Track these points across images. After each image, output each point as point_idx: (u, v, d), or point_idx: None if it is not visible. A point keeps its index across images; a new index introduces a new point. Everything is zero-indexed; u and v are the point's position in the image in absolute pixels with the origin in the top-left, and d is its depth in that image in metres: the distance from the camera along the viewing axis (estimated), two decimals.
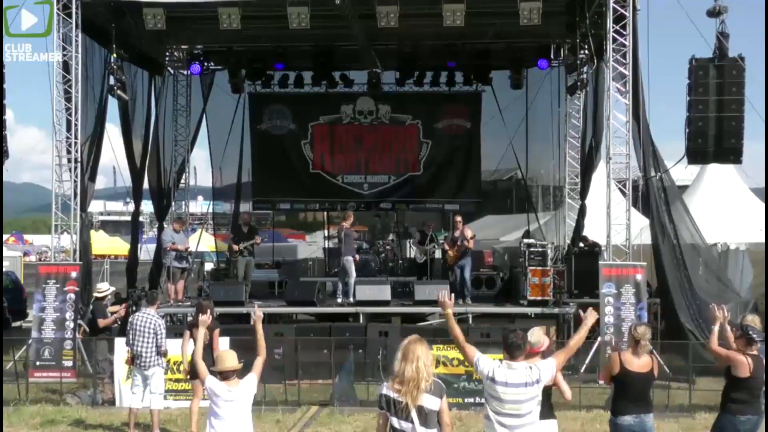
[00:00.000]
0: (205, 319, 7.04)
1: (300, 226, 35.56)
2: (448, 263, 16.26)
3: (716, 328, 7.37)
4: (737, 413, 6.99)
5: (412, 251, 19.81)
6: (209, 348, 9.87)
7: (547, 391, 6.22)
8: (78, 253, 14.65)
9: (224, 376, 6.43)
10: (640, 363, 6.89)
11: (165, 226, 18.48)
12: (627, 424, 6.81)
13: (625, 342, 11.66)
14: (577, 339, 6.04)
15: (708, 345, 7.52)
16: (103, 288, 12.77)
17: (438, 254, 18.61)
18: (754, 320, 8.02)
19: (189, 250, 16.76)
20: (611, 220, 14.19)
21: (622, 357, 6.88)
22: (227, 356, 6.53)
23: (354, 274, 15.54)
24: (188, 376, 10.26)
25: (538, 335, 6.46)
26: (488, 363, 5.76)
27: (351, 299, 15.33)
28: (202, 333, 6.97)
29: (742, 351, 7.09)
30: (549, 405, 6.39)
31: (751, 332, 7.15)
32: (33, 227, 60.31)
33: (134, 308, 14.94)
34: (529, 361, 5.87)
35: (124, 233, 33.15)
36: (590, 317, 6.12)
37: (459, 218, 16.47)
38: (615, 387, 6.95)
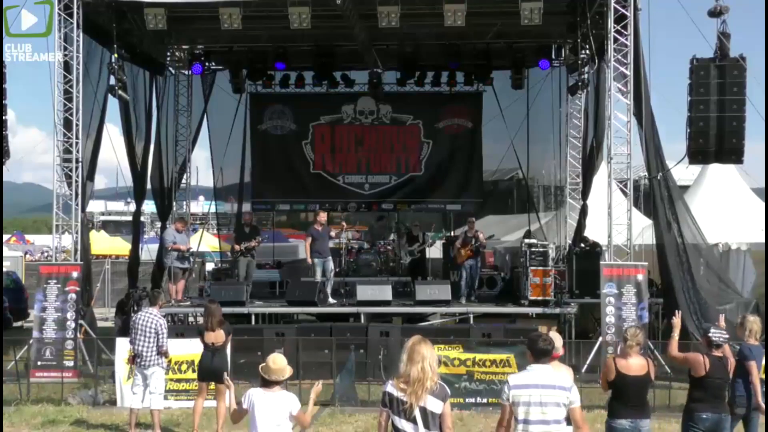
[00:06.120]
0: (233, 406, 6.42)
1: (301, 226, 35.33)
2: (459, 261, 16.24)
3: (675, 335, 7.59)
4: (694, 411, 7.21)
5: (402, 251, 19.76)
6: (222, 350, 9.93)
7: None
8: (79, 253, 14.67)
9: (270, 382, 6.07)
10: (635, 366, 6.89)
11: (168, 225, 18.49)
12: (622, 427, 6.82)
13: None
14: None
15: (668, 352, 7.70)
16: None
17: (429, 253, 18.58)
18: (755, 321, 8.05)
19: (190, 250, 16.78)
20: (612, 220, 14.17)
21: (617, 363, 6.91)
22: (279, 361, 6.12)
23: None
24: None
25: (559, 341, 6.45)
26: (509, 381, 5.71)
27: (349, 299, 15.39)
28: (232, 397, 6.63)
29: (705, 352, 7.31)
30: None
31: (712, 335, 7.33)
32: (34, 227, 60.19)
33: (135, 308, 14.98)
34: (555, 366, 5.87)
35: (125, 233, 33.12)
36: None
37: (472, 218, 16.60)
38: (612, 390, 6.97)
